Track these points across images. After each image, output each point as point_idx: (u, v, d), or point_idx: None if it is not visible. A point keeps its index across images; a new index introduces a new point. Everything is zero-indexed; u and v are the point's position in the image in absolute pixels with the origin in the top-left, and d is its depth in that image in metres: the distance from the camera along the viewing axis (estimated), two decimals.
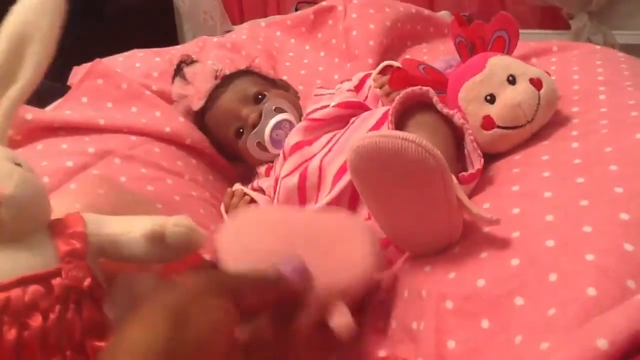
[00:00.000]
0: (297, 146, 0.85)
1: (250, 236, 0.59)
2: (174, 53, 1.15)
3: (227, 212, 0.89)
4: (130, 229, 0.58)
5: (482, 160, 0.67)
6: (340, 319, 0.51)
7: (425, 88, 0.71)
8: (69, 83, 1.04)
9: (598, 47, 0.95)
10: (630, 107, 0.71)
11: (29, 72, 0.58)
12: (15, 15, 0.58)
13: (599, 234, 0.53)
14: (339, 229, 0.59)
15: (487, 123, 0.72)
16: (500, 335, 0.49)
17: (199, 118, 1.01)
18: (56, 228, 0.57)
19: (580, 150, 0.65)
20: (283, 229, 0.60)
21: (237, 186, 0.93)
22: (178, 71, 1.03)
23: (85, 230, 0.57)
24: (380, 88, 0.88)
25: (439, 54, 1.12)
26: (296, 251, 0.52)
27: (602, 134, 0.67)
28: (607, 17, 1.65)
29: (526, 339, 0.48)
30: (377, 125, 0.79)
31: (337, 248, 0.57)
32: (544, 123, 0.73)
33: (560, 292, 0.49)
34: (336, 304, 0.52)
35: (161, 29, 2.48)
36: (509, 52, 0.80)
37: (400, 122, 0.71)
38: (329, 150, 0.82)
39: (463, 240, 0.61)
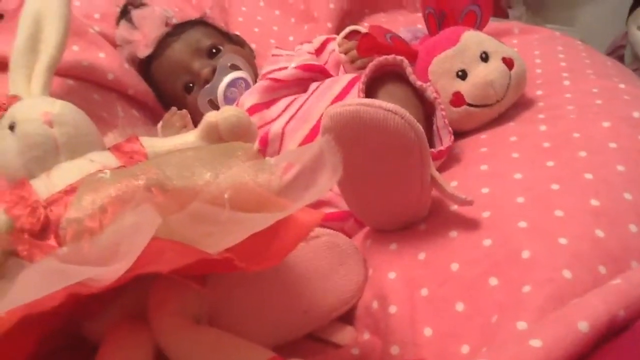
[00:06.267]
0: (255, 109, 0.80)
1: None
2: None
3: (163, 126, 0.84)
4: (183, 138, 0.63)
5: (452, 137, 0.66)
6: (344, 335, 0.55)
7: (399, 57, 0.68)
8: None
9: (557, 33, 0.96)
10: (595, 95, 0.71)
11: (52, 41, 0.69)
12: (29, 4, 0.71)
13: (571, 219, 0.53)
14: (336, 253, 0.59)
15: (457, 100, 0.70)
16: (475, 317, 0.48)
17: (145, 67, 0.94)
18: (113, 148, 0.61)
19: (549, 134, 0.65)
20: None
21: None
22: (125, 13, 0.94)
23: (142, 144, 0.61)
24: (346, 54, 0.84)
25: (398, 25, 1.09)
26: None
27: (569, 120, 0.67)
28: (541, 9, 1.69)
29: (501, 318, 0.47)
30: (342, 94, 0.75)
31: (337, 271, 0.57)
32: (512, 104, 0.72)
33: (534, 272, 0.49)
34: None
35: None
36: (480, 28, 0.79)
37: (369, 92, 0.68)
38: (291, 118, 0.77)
39: (430, 218, 0.59)
